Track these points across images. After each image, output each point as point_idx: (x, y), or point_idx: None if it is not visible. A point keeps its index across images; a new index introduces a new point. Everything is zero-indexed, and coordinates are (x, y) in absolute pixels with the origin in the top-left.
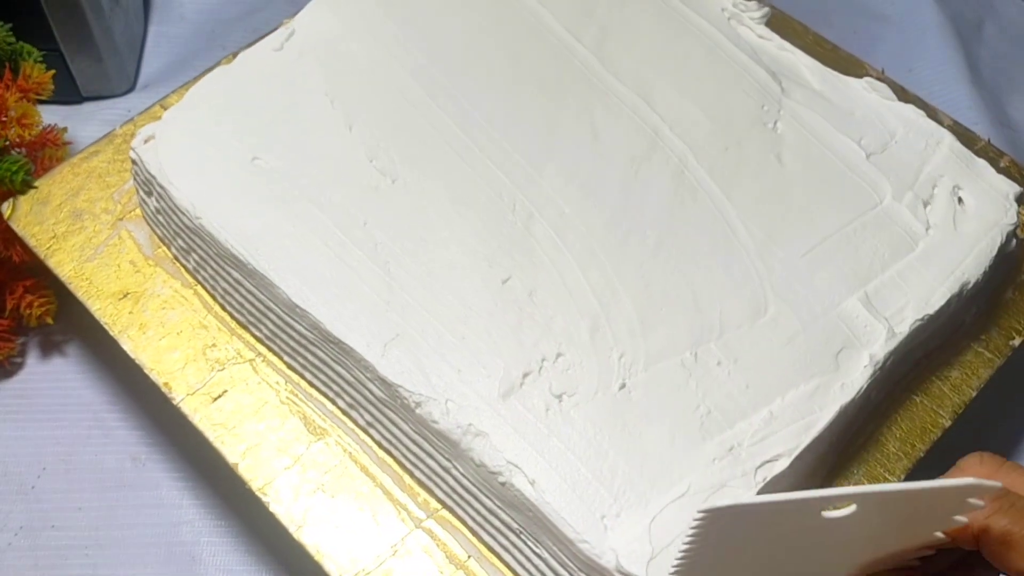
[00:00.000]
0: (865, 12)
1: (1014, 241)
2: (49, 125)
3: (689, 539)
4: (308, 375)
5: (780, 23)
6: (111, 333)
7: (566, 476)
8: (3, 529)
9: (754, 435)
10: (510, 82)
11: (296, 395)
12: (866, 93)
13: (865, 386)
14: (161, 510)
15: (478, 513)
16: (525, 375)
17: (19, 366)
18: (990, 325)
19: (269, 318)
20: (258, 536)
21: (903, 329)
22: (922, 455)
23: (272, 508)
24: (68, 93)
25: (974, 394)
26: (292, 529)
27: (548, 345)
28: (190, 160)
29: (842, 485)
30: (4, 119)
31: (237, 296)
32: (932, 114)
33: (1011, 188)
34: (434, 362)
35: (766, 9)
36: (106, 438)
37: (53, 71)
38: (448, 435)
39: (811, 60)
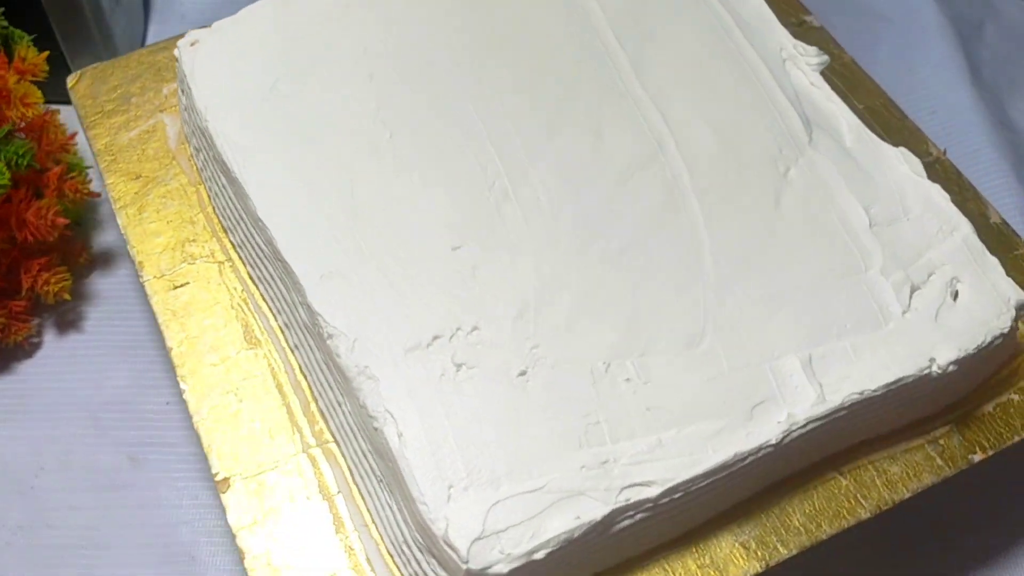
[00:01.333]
0: (865, 12)
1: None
2: (47, 108)
3: None
4: (261, 288)
5: (855, 80)
6: (112, 207)
7: (433, 439)
8: (1, 528)
9: (634, 457)
10: (536, 64)
11: (247, 304)
12: (898, 163)
13: (773, 442)
14: (159, 510)
15: (355, 453)
16: (435, 337)
17: (37, 346)
18: (954, 433)
19: (241, 226)
20: None
21: (835, 399)
22: (824, 538)
23: (185, 395)
24: (68, 93)
25: (907, 496)
26: (194, 419)
27: (468, 317)
28: (219, 70)
29: (728, 542)
30: (6, 98)
31: (222, 200)
32: (982, 208)
33: (1016, 294)
34: (359, 303)
35: (824, 58)
36: (104, 438)
37: (47, 52)
38: (345, 371)
39: (854, 118)
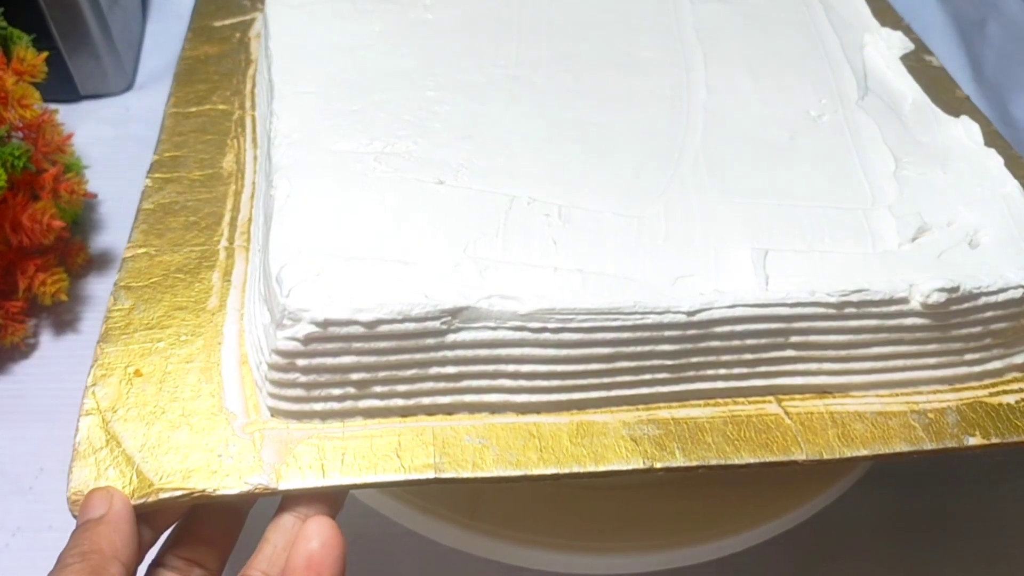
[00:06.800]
0: None
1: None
2: (44, 107)
3: None
4: (258, 126)
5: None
6: (176, 59)
7: (323, 205)
8: (1, 529)
9: (517, 271)
10: None
11: (240, 140)
12: (955, 130)
13: (685, 309)
14: None
15: (255, 230)
16: (371, 142)
17: (33, 347)
18: (951, 412)
19: (260, 69)
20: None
21: (777, 293)
22: (739, 464)
23: (146, 183)
24: (66, 91)
25: (864, 453)
26: (143, 204)
27: (410, 134)
28: None
29: (616, 429)
30: (4, 99)
31: (258, 64)
32: None
33: None
34: (315, 118)
35: (909, 45)
36: None
37: (46, 52)
38: (272, 162)
39: (922, 95)
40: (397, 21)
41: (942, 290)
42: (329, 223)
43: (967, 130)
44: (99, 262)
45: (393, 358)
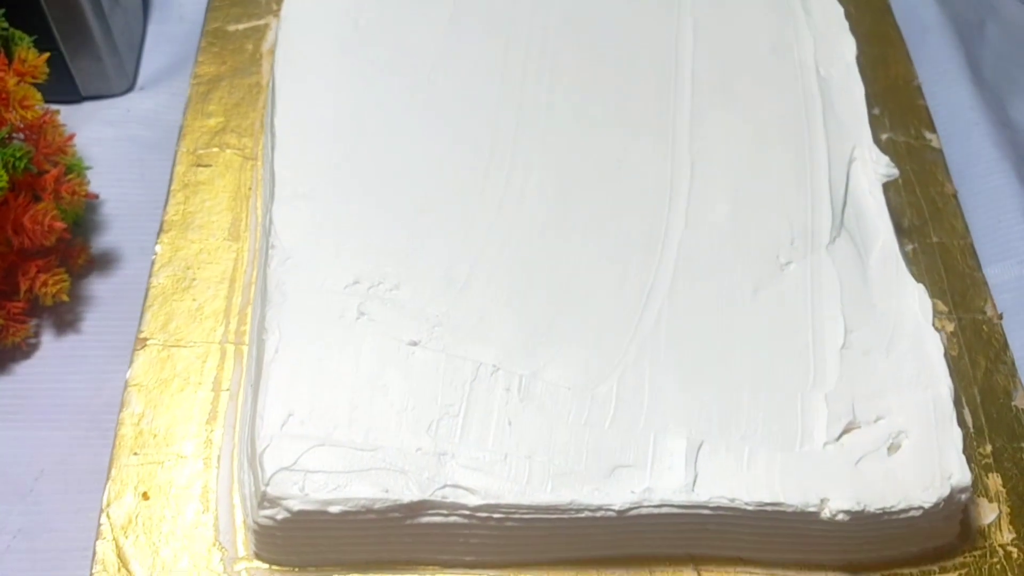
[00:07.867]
0: None
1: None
2: (46, 108)
3: None
4: (262, 189)
5: (947, 213)
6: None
7: (300, 368)
8: (1, 532)
9: (471, 461)
10: (602, 78)
11: (247, 200)
12: (911, 299)
13: (616, 507)
14: None
15: (248, 357)
16: (355, 282)
17: (35, 347)
18: None
19: (266, 130)
20: None
21: (702, 495)
22: None
23: (154, 256)
24: (67, 92)
25: None
26: (151, 280)
27: (394, 275)
28: None
29: None
30: (5, 100)
31: (268, 104)
32: (1009, 386)
33: (959, 475)
34: (311, 227)
35: (893, 172)
36: (105, 440)
37: (47, 53)
38: (268, 280)
39: (892, 241)
40: (400, 91)
41: (848, 512)
42: (310, 392)
43: (921, 305)
44: (100, 263)
45: (359, 533)
